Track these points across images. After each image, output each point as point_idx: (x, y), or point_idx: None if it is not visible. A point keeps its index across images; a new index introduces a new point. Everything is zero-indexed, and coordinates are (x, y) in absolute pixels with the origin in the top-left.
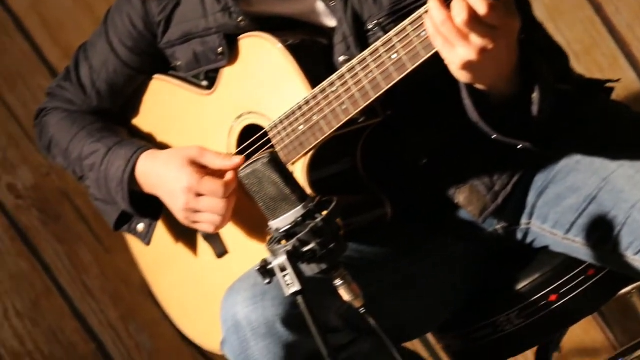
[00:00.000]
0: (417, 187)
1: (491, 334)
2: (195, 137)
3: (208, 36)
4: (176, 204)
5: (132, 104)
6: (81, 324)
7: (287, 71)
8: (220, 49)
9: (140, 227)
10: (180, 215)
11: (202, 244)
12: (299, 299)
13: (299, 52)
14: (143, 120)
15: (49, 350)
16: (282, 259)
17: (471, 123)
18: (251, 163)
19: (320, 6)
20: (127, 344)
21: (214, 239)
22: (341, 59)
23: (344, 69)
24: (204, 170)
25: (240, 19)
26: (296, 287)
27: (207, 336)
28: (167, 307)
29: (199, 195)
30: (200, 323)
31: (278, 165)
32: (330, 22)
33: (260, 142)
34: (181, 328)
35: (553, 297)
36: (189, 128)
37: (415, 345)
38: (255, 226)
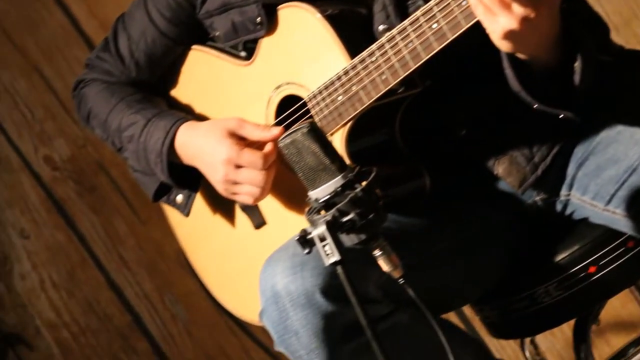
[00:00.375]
0: (456, 159)
1: (529, 305)
2: (234, 108)
3: (247, 6)
4: (215, 176)
5: (171, 75)
6: (117, 296)
7: (326, 41)
8: (258, 19)
9: (179, 198)
10: (220, 187)
11: (240, 215)
12: (339, 269)
13: (338, 22)
14: (181, 91)
15: (84, 322)
16: (322, 229)
17: (512, 93)
18: (291, 133)
19: None
20: (162, 316)
21: (252, 210)
22: (380, 28)
23: (383, 38)
24: (243, 141)
25: None
26: (335, 257)
27: (245, 307)
28: (205, 278)
29: (238, 167)
30: (238, 294)
31: (317, 135)
32: None
33: (299, 113)
34: (219, 299)
35: (592, 269)
36: (228, 99)
37: (450, 317)
38: (294, 197)
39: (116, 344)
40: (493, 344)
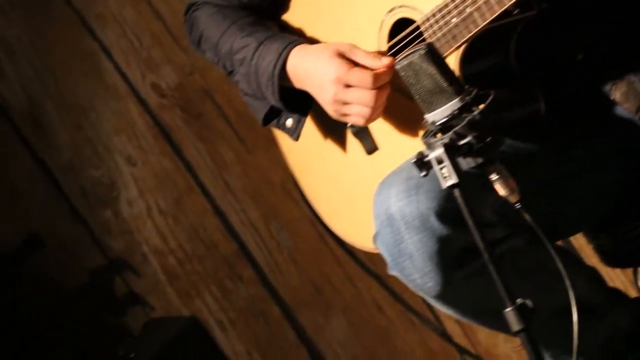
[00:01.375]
0: (572, 83)
1: None
2: (346, 31)
3: None
4: (325, 96)
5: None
6: (223, 223)
7: None
8: None
9: (289, 122)
10: (329, 108)
11: (351, 141)
12: (456, 191)
13: None
14: (292, 16)
15: (191, 248)
16: (439, 151)
17: (630, 16)
18: (408, 55)
19: None
20: (268, 244)
21: (363, 135)
22: None
23: None
24: (353, 63)
25: None
26: (453, 179)
27: (356, 233)
28: (316, 204)
29: (347, 86)
30: (349, 220)
31: (435, 57)
32: None
33: (412, 36)
34: (329, 225)
35: None
36: (339, 23)
37: None
38: (406, 123)
39: (222, 271)
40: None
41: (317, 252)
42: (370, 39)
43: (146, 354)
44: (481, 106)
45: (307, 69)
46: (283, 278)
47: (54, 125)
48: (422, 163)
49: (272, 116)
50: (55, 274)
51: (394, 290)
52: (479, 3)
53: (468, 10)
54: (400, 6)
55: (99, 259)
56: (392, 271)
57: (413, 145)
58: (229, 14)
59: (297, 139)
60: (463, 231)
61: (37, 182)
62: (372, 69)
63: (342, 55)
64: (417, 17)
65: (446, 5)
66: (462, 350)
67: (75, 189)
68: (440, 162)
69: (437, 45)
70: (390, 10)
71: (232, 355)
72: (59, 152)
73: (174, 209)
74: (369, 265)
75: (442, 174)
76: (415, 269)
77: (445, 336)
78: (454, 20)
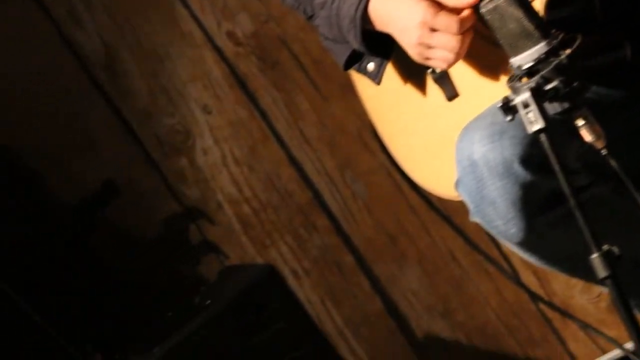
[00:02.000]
0: None
1: None
2: None
3: None
4: (409, 40)
5: None
6: (298, 172)
7: None
8: None
9: (371, 66)
10: (413, 51)
11: (431, 87)
12: (542, 136)
13: None
14: None
15: (265, 198)
16: (526, 95)
17: None
18: None
19: None
20: (343, 193)
21: (444, 81)
22: None
23: None
24: (438, 6)
25: None
26: (539, 124)
27: (435, 179)
28: (394, 151)
29: (432, 30)
30: (428, 166)
31: (521, 0)
32: None
33: None
34: (408, 172)
35: None
36: None
37: None
38: (488, 68)
39: (296, 220)
40: None
41: (393, 201)
42: None
43: (222, 301)
44: (568, 50)
45: (391, 11)
46: (358, 227)
47: (130, 73)
48: (507, 107)
49: (354, 60)
50: (130, 222)
51: (470, 238)
52: None
53: None
54: None
55: (173, 208)
56: (474, 218)
57: (494, 91)
58: None
59: (379, 83)
60: (547, 177)
61: (113, 130)
62: (458, 8)
63: None
64: None
65: None
66: (537, 298)
67: (151, 137)
68: (526, 106)
69: None
70: None
71: (307, 304)
72: (135, 100)
73: (249, 157)
74: (445, 213)
75: (528, 118)
76: (498, 215)
77: (521, 285)
78: None
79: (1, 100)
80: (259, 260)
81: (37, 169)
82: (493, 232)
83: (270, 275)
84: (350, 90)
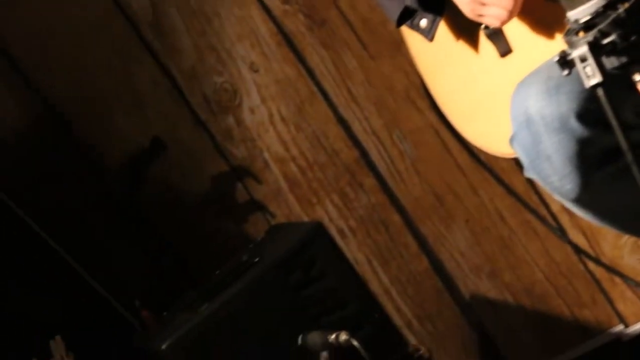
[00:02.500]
0: None
1: None
2: None
3: None
4: None
5: None
6: (345, 131)
7: None
8: None
9: (424, 22)
10: (466, 8)
11: (484, 43)
12: (599, 90)
13: None
14: None
15: (312, 156)
16: (583, 49)
17: None
18: None
19: None
20: (390, 152)
21: (497, 38)
22: None
23: None
24: None
25: None
26: (597, 78)
27: (488, 137)
28: (445, 107)
29: None
30: (480, 123)
31: None
32: None
33: None
34: (459, 129)
35: None
36: None
37: None
38: (541, 24)
39: (343, 179)
40: None
41: (440, 161)
42: None
43: (270, 258)
44: (626, 4)
45: None
46: (405, 187)
47: (178, 31)
48: (564, 62)
49: (406, 17)
50: (177, 180)
51: (520, 196)
52: None
53: None
54: None
55: (220, 166)
56: (529, 173)
57: (548, 46)
58: None
59: (431, 39)
60: (604, 133)
61: (160, 88)
62: None
63: None
64: None
65: None
66: (586, 255)
67: (198, 95)
68: (583, 60)
69: None
70: None
71: (352, 263)
72: (182, 58)
73: (296, 116)
74: (495, 171)
75: (585, 73)
76: (553, 171)
77: (571, 243)
78: None
79: (50, 59)
80: (305, 218)
81: (85, 128)
82: (548, 188)
83: (319, 232)
84: (398, 49)
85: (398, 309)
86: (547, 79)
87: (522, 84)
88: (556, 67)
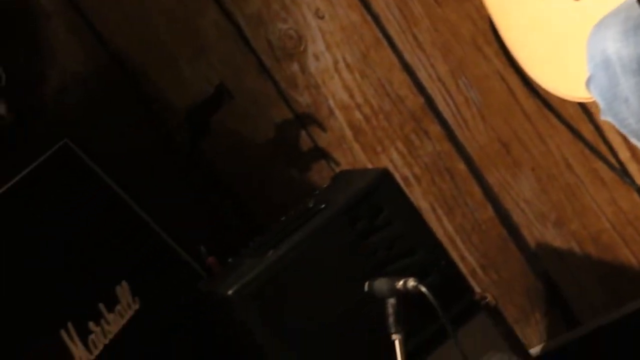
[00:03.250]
0: None
1: None
2: None
3: None
4: None
5: None
6: (410, 77)
7: None
8: None
9: None
10: None
11: None
12: None
13: None
14: None
15: (377, 103)
16: None
17: None
18: None
19: None
20: (456, 99)
21: None
22: None
23: None
24: None
25: None
26: None
27: (561, 79)
28: (515, 51)
29: None
30: (554, 67)
31: None
32: None
33: None
34: (529, 72)
35: None
36: None
37: None
38: None
39: (408, 126)
40: None
41: (507, 108)
42: None
43: (336, 205)
44: None
45: None
46: (471, 134)
47: None
48: None
49: None
50: (241, 127)
51: (590, 143)
52: None
53: None
54: None
55: (285, 113)
56: (605, 116)
57: None
58: None
59: None
60: None
61: (225, 35)
62: None
63: None
64: None
65: None
66: None
67: (263, 42)
68: None
69: None
70: None
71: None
72: (247, 4)
73: (361, 63)
74: (563, 117)
75: None
76: (630, 112)
77: (639, 192)
78: None
79: (114, 7)
80: (370, 166)
81: (150, 77)
82: (624, 131)
83: (386, 179)
84: None
85: (462, 257)
86: (626, 19)
87: (600, 25)
88: (635, 7)
